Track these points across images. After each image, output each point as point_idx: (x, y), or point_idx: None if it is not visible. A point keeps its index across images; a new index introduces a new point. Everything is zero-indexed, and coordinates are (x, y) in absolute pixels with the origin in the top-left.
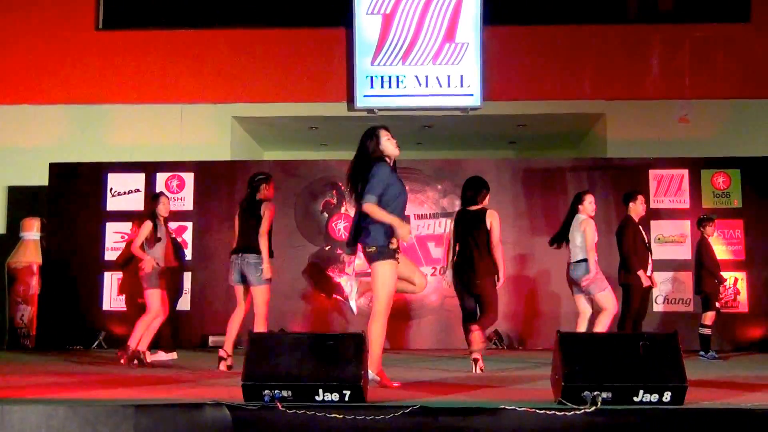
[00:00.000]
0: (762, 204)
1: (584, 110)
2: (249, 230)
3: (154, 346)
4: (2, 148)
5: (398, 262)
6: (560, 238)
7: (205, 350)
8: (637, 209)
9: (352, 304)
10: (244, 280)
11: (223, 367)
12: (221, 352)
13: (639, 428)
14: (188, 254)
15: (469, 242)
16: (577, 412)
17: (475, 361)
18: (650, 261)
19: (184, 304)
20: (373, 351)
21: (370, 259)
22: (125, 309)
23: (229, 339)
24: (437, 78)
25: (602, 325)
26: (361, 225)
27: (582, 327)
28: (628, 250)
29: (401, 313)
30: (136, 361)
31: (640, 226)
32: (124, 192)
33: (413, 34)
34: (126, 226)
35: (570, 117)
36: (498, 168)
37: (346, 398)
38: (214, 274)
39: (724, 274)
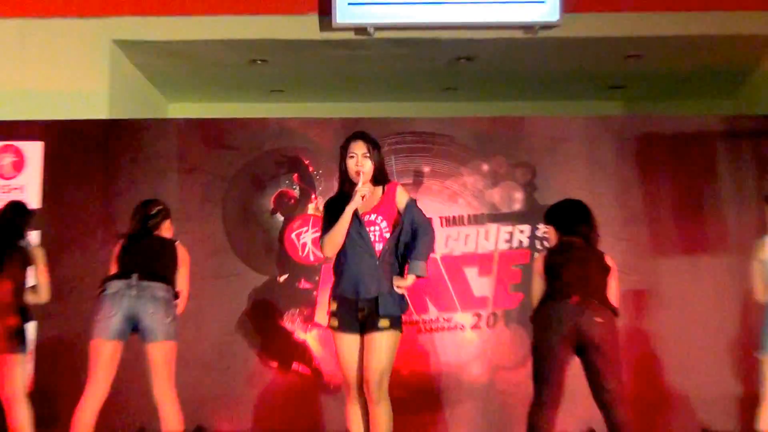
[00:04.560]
0: None
1: (747, 30)
2: (151, 253)
3: None
4: None
5: None
6: None
7: None
8: None
9: None
10: (130, 330)
11: None
12: None
13: None
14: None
15: (572, 274)
16: None
17: None
18: None
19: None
20: None
21: (393, 323)
22: None
23: None
24: None
25: None
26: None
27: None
28: None
29: (426, 398)
30: None
31: None
32: None
33: None
34: None
35: (722, 42)
36: (590, 132)
37: None
38: (77, 323)
39: None
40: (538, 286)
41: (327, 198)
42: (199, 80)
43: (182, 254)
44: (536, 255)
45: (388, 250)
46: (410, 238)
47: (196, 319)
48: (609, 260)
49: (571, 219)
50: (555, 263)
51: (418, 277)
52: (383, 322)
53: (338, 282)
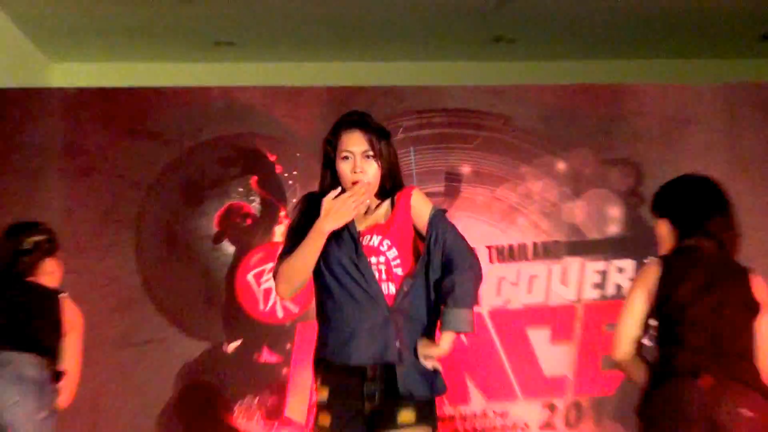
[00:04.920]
0: None
1: None
2: (19, 309)
3: None
4: None
5: None
6: None
7: None
8: None
9: None
10: None
11: None
12: None
13: None
14: None
15: (702, 325)
16: None
17: None
18: None
19: None
20: None
21: (422, 414)
22: None
23: None
24: None
25: None
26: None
27: None
28: None
29: None
30: None
31: None
32: None
33: None
34: None
35: None
36: (729, 108)
37: None
38: None
39: None
40: (635, 323)
41: (305, 193)
42: (99, 28)
43: (70, 313)
44: (644, 263)
45: (407, 296)
46: (442, 274)
47: (91, 413)
48: (757, 285)
49: (696, 208)
50: (672, 297)
51: (458, 333)
52: (406, 416)
53: (321, 343)
